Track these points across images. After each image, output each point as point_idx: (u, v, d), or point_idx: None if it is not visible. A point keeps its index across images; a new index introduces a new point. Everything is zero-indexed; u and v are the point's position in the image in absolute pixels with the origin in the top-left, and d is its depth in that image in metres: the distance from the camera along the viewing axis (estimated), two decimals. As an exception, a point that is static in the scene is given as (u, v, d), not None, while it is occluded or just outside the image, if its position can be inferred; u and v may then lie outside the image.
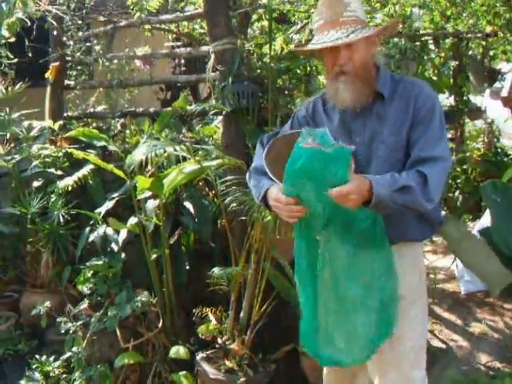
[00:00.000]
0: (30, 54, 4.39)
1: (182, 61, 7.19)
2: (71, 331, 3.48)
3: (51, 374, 3.46)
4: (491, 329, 4.26)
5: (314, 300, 2.18)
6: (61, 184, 3.99)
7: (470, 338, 4.13)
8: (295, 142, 2.06)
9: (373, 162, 2.18)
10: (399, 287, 2.16)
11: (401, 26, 5.15)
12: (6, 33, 3.71)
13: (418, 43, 6.02)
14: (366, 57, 2.16)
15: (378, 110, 2.19)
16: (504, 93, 7.30)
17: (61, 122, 4.45)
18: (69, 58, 4.91)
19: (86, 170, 4.03)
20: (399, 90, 2.20)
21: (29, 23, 3.90)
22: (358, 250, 2.09)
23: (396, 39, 5.61)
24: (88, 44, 5.20)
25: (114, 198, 3.90)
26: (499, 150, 7.32)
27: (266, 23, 4.55)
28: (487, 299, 4.69)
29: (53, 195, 4.06)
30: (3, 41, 3.92)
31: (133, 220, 3.60)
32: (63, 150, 4.25)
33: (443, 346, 3.98)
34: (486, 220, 4.37)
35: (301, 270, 2.21)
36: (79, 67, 5.69)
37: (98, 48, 5.12)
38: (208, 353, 3.35)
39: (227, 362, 3.24)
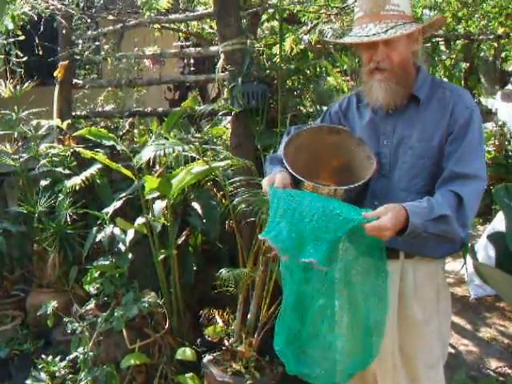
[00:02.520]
0: (39, 53, 4.39)
1: (191, 61, 7.20)
2: (77, 331, 3.48)
3: (57, 374, 3.46)
4: (501, 334, 4.25)
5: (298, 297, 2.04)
6: (68, 183, 4.00)
7: (480, 343, 4.12)
8: (321, 137, 2.10)
9: (397, 167, 2.10)
10: (409, 306, 2.12)
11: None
12: (10, 25, 3.69)
13: (428, 44, 6.00)
14: (406, 55, 2.05)
15: (411, 113, 2.09)
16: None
17: (69, 121, 4.44)
18: (77, 57, 4.92)
19: (93, 170, 4.04)
20: (437, 95, 2.08)
21: (35, 17, 3.90)
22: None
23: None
24: (97, 43, 5.21)
25: (121, 198, 3.89)
26: (510, 153, 7.29)
27: (275, 23, 4.56)
28: (497, 304, 4.67)
29: (60, 194, 4.07)
30: (12, 39, 3.93)
31: (140, 220, 3.59)
32: (71, 149, 4.26)
33: (453, 350, 3.96)
34: (497, 223, 4.35)
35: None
36: (88, 66, 5.73)
37: (106, 47, 5.12)
38: (215, 355, 3.35)
39: (234, 365, 3.24)
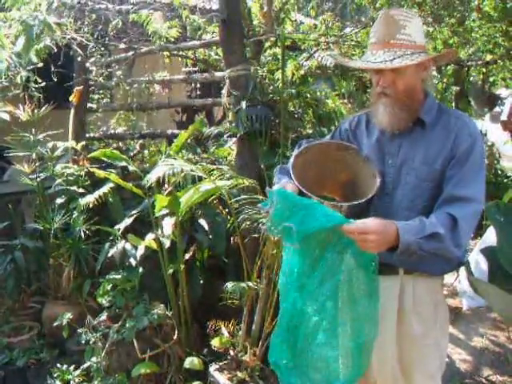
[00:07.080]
0: (56, 79, 4.41)
1: (198, 85, 7.24)
2: (91, 341, 3.47)
3: (72, 383, 3.45)
4: (492, 343, 4.22)
5: (295, 310, 2.02)
6: (82, 201, 4.00)
7: (473, 352, 4.09)
8: (329, 152, 2.10)
9: (400, 187, 2.08)
10: (411, 321, 2.11)
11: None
12: (34, 58, 3.76)
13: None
14: (413, 82, 2.03)
15: (416, 136, 2.08)
16: (503, 117, 7.32)
17: (83, 143, 4.46)
18: (92, 83, 4.95)
19: (106, 188, 4.04)
20: (442, 120, 2.06)
21: (55, 49, 3.94)
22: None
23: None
24: (110, 69, 5.25)
25: (132, 215, 3.90)
26: (499, 172, 7.29)
27: (277, 50, 4.59)
28: (488, 314, 4.64)
29: (75, 212, 4.07)
30: (31, 66, 3.96)
31: (150, 236, 3.59)
32: (85, 169, 4.27)
33: (447, 359, 3.93)
34: (488, 238, 4.33)
35: (290, 274, 2.03)
36: (101, 91, 5.76)
37: (119, 73, 5.16)
38: (221, 364, 3.33)
39: (239, 373, 3.22)
